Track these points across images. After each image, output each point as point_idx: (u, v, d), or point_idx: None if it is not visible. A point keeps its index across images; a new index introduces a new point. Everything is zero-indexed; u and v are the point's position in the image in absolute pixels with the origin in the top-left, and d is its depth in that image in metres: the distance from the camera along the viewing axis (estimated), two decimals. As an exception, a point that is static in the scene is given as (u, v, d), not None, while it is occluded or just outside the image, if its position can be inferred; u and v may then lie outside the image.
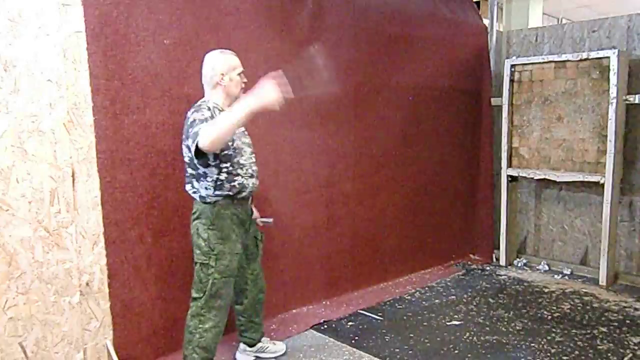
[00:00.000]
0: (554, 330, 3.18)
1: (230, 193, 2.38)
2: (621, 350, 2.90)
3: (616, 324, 3.26)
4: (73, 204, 2.43)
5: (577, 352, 2.88)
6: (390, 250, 4.06)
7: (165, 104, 2.73)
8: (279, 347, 2.91)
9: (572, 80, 4.01)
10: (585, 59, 3.89)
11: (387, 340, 3.07)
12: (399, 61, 3.94)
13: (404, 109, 4.02)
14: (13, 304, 2.28)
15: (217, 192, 2.36)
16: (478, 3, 5.45)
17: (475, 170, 4.66)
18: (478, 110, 4.59)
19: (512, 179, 4.46)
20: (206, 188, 2.36)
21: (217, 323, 2.43)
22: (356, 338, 3.09)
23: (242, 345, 2.85)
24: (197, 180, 2.37)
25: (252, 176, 2.48)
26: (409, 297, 3.76)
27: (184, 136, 2.32)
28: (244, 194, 2.43)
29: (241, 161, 2.42)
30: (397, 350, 2.94)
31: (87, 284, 2.50)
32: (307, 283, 3.53)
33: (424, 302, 3.66)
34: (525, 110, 4.30)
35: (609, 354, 2.86)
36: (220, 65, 2.41)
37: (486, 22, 4.66)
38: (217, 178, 2.34)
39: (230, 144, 2.36)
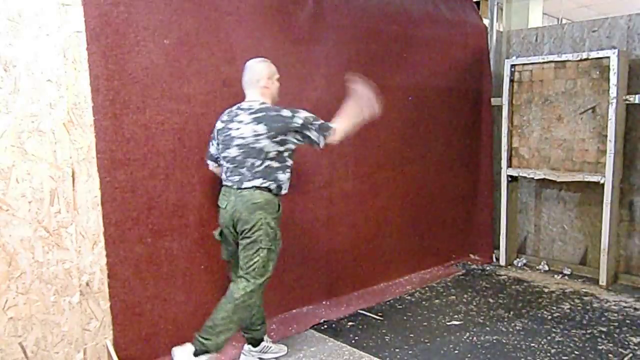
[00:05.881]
0: (554, 330, 3.18)
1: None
2: (621, 350, 2.90)
3: (616, 324, 3.26)
4: (73, 204, 2.43)
5: (577, 352, 2.88)
6: (390, 250, 4.06)
7: (165, 104, 2.72)
8: (280, 347, 2.92)
9: (572, 80, 4.01)
10: (585, 59, 3.89)
11: (387, 340, 3.07)
12: (399, 61, 3.94)
13: (404, 109, 4.02)
14: (13, 304, 2.28)
15: (284, 186, 2.62)
16: (478, 3, 5.45)
17: (475, 170, 4.66)
18: (478, 110, 4.59)
19: (512, 179, 4.46)
20: (287, 179, 2.62)
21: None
22: (356, 338, 3.09)
23: (246, 347, 2.85)
24: (283, 172, 2.59)
25: None
26: (409, 297, 3.76)
27: (275, 132, 2.50)
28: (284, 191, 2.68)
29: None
30: (397, 350, 2.94)
31: (87, 284, 2.50)
32: (307, 283, 3.53)
33: (424, 302, 3.66)
34: (525, 110, 4.30)
35: (609, 354, 2.86)
36: (266, 71, 2.65)
37: (486, 22, 4.66)
38: (289, 174, 2.64)
39: (293, 146, 2.61)
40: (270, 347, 2.87)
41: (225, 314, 2.47)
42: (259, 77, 2.62)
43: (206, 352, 2.46)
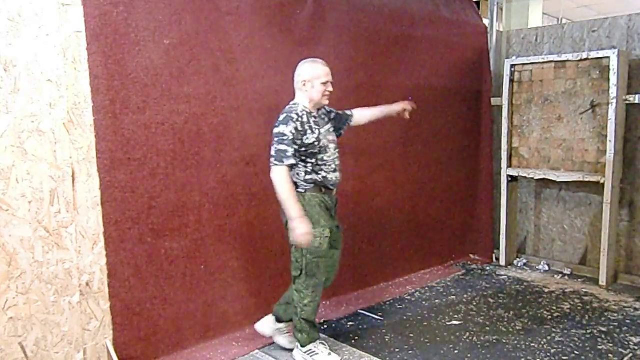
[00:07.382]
0: (554, 330, 3.18)
1: (317, 184, 2.67)
2: (621, 350, 2.90)
3: (616, 324, 3.26)
4: (73, 204, 2.43)
5: (577, 352, 2.88)
6: (390, 250, 4.06)
7: (165, 104, 2.73)
8: (291, 340, 2.92)
9: (572, 80, 4.01)
10: (585, 59, 3.90)
11: (387, 340, 3.07)
12: (399, 61, 3.93)
13: (404, 109, 4.02)
14: (13, 304, 2.28)
15: (306, 183, 2.65)
16: (478, 3, 5.45)
17: (475, 170, 4.66)
18: (478, 110, 4.59)
19: (512, 179, 4.46)
20: (297, 178, 2.64)
21: (314, 298, 2.73)
22: (356, 338, 3.09)
23: (269, 317, 2.96)
24: (292, 170, 2.65)
25: (335, 170, 2.76)
26: (409, 297, 3.76)
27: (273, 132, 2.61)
28: (328, 185, 2.72)
29: (325, 158, 2.69)
30: (397, 350, 2.94)
31: (87, 284, 2.50)
32: (307, 283, 3.52)
33: (424, 302, 3.66)
34: (525, 110, 4.30)
35: (609, 354, 2.86)
36: (304, 73, 2.68)
37: (486, 22, 4.66)
38: (305, 171, 2.64)
39: (316, 143, 2.64)
40: (286, 332, 2.95)
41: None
42: (297, 80, 2.72)
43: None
